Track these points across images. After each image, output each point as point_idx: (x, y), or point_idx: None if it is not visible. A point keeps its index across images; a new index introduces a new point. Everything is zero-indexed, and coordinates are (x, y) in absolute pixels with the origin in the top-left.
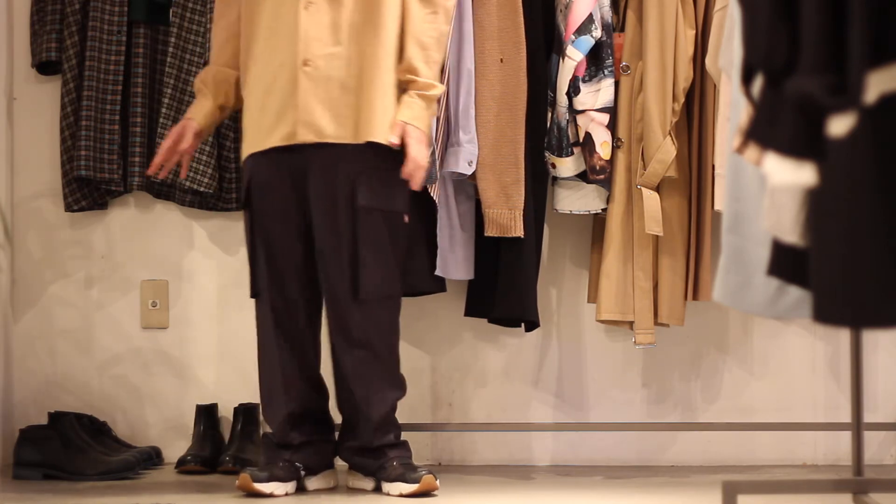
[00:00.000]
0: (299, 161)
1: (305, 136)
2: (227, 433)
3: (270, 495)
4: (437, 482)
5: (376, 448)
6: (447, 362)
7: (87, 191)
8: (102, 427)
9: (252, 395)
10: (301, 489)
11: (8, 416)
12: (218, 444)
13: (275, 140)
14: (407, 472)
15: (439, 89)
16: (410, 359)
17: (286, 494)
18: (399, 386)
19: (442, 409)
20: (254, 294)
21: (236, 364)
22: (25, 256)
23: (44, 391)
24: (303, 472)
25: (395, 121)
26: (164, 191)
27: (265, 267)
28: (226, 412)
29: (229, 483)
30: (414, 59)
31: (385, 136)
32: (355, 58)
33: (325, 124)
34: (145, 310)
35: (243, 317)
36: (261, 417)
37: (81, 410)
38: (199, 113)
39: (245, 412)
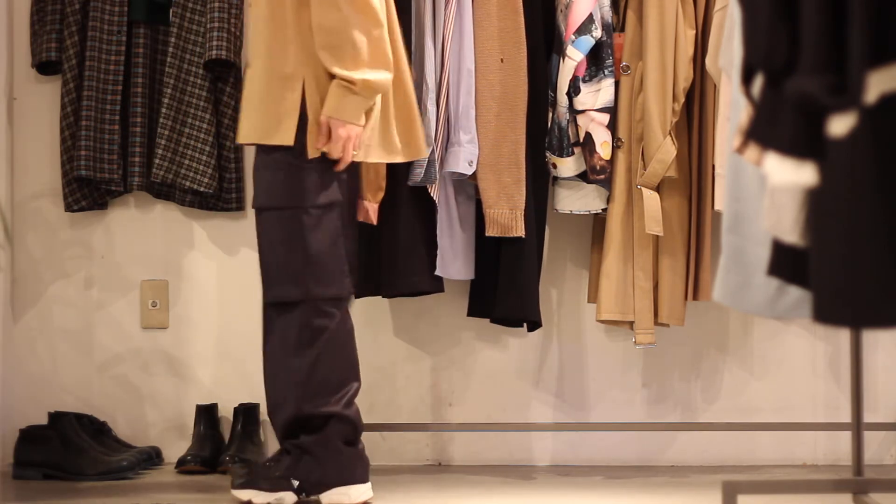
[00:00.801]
0: None
1: None
2: (227, 433)
3: None
4: (236, 492)
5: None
6: (447, 362)
7: (87, 191)
8: (102, 427)
9: (252, 395)
10: None
11: (8, 416)
12: (218, 444)
13: None
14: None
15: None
16: (410, 359)
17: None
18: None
19: (442, 409)
20: None
21: (236, 364)
22: (25, 256)
23: (44, 391)
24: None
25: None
26: (164, 191)
27: None
28: (226, 412)
29: (229, 483)
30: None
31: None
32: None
33: None
34: (145, 310)
35: (243, 317)
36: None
37: (81, 410)
38: None
39: (245, 412)
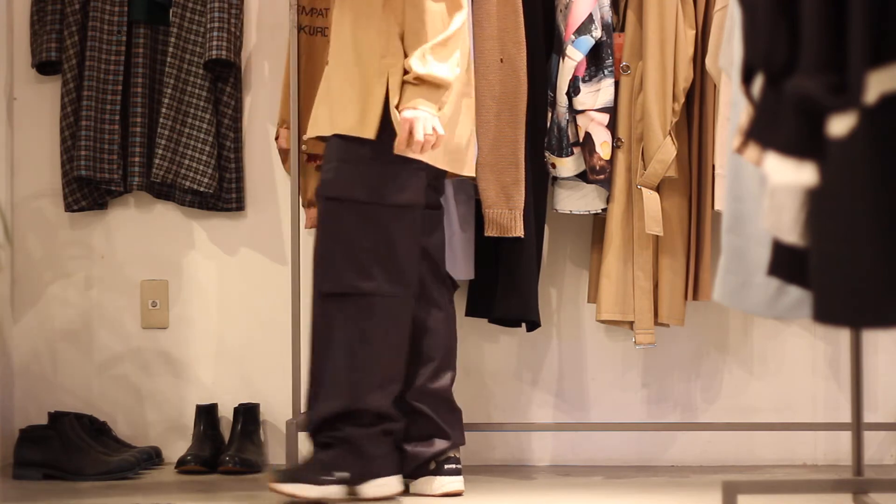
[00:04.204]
0: None
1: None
2: (227, 433)
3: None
4: (280, 486)
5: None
6: None
7: (87, 191)
8: (102, 427)
9: (252, 395)
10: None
11: (8, 416)
12: (218, 444)
13: None
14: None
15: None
16: None
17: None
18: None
19: None
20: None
21: (236, 364)
22: (25, 256)
23: (44, 391)
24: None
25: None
26: (164, 191)
27: None
28: (226, 412)
29: (229, 483)
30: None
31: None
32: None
33: None
34: (145, 310)
35: (243, 317)
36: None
37: (81, 410)
38: None
39: (245, 412)
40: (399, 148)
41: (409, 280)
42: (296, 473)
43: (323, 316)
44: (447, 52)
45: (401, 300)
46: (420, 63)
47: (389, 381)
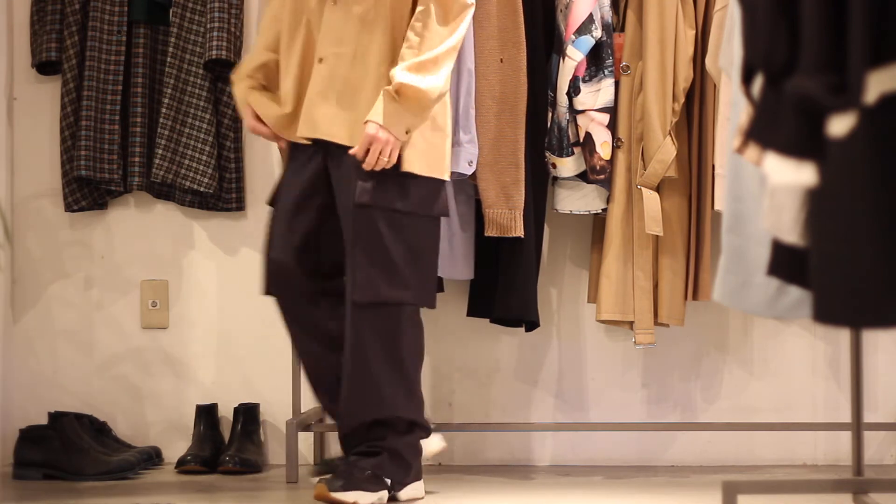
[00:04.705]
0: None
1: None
2: (227, 433)
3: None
4: (339, 495)
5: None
6: (447, 362)
7: (87, 191)
8: (102, 427)
9: (252, 395)
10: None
11: (8, 416)
12: (218, 444)
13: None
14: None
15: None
16: None
17: None
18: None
19: (442, 409)
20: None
21: (236, 364)
22: (25, 256)
23: (44, 391)
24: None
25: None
26: (164, 191)
27: None
28: (226, 412)
29: (229, 483)
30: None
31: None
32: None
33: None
34: (145, 310)
35: (243, 317)
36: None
37: (81, 410)
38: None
39: (245, 412)
40: (357, 155)
41: (431, 288)
42: (352, 481)
43: (363, 325)
44: (437, 69)
45: (418, 310)
46: (406, 74)
47: (417, 389)
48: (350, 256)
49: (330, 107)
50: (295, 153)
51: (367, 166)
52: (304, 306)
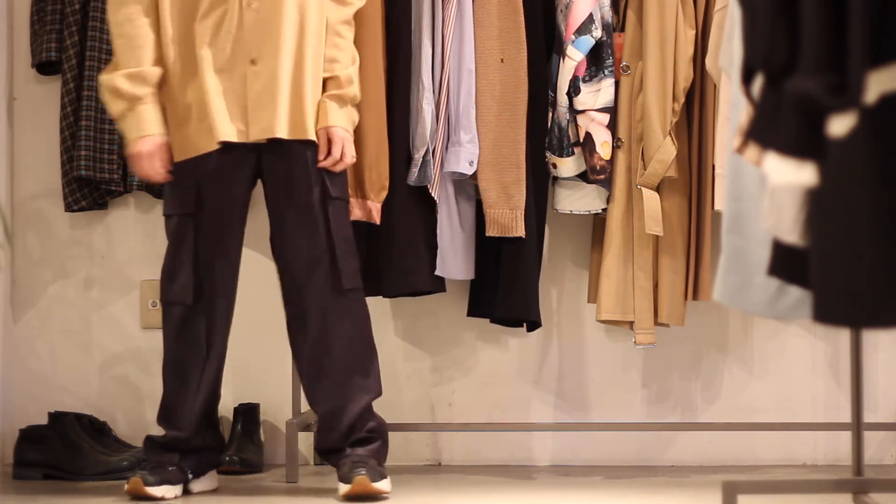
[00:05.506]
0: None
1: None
2: (227, 433)
3: (161, 498)
4: (379, 486)
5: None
6: (447, 362)
7: (87, 191)
8: (102, 427)
9: (252, 395)
10: (187, 492)
11: (8, 416)
12: None
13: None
14: (350, 472)
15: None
16: (410, 359)
17: (175, 497)
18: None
19: (442, 409)
20: None
21: (236, 364)
22: (25, 256)
23: (44, 391)
24: (190, 475)
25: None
26: None
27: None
28: (226, 412)
29: (229, 483)
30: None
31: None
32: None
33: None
34: (145, 310)
35: (243, 317)
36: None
37: (81, 410)
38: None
39: (245, 412)
40: (328, 163)
41: None
42: (379, 470)
43: (346, 310)
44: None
45: None
46: (349, 79)
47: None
48: (317, 246)
49: (277, 106)
50: (202, 162)
51: (340, 167)
52: None
